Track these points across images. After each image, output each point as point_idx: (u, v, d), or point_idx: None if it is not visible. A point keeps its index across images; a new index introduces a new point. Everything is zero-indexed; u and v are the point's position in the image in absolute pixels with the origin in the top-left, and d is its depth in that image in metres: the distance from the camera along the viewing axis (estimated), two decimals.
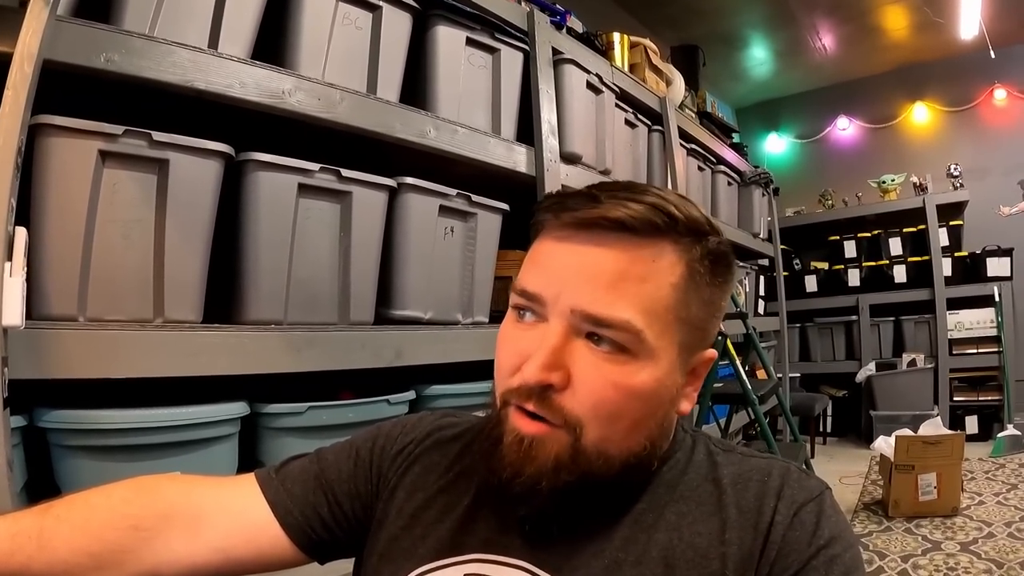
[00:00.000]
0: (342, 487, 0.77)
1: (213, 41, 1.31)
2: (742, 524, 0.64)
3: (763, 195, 4.45)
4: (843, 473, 4.24)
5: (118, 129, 1.13)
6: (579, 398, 0.61)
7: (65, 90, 1.11)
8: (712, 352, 0.69)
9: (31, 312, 1.04)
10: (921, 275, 5.26)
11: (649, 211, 0.61)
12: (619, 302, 0.60)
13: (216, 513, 0.73)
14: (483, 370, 1.72)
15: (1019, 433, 4.55)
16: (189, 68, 1.24)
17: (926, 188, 5.35)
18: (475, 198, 1.77)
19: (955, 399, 5.09)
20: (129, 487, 0.72)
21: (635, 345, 0.61)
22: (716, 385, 2.97)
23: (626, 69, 2.93)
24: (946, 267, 5.16)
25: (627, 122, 2.75)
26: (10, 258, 0.94)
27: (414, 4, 1.67)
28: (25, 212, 1.05)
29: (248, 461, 1.37)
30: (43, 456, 1.17)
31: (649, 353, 0.61)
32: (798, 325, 5.74)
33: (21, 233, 0.97)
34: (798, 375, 5.59)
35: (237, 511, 0.74)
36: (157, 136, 1.18)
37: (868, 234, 5.55)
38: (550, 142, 2.11)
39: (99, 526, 0.67)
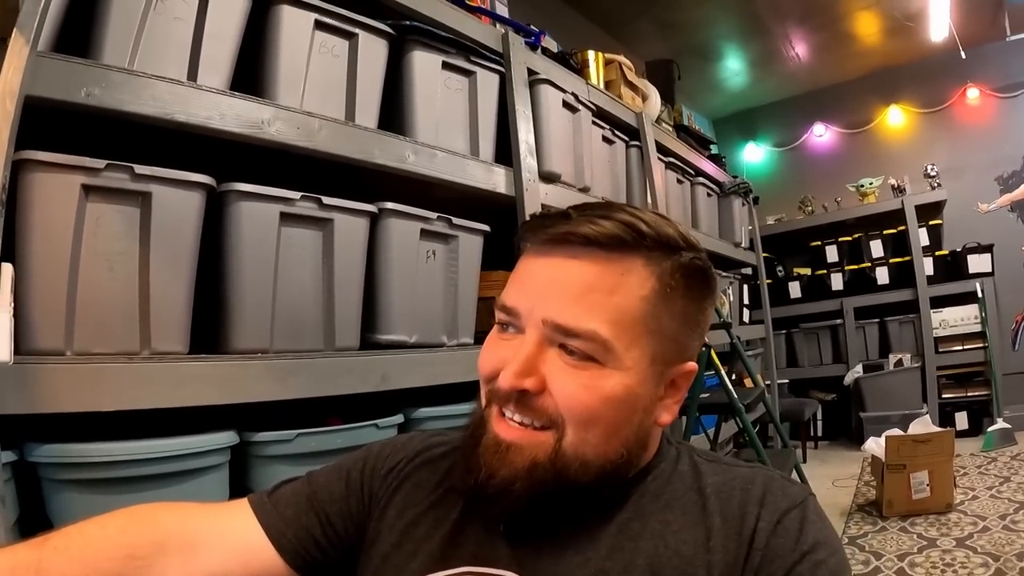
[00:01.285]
0: (334, 508, 0.78)
1: (192, 73, 1.33)
2: (726, 532, 0.66)
3: (743, 204, 4.49)
4: (836, 476, 4.26)
5: (100, 163, 1.14)
6: (556, 401, 0.64)
7: (47, 125, 1.12)
8: (692, 365, 0.71)
9: (19, 347, 1.05)
10: (903, 276, 5.31)
11: (617, 227, 0.64)
12: (587, 313, 0.63)
13: (211, 539, 0.73)
14: (470, 391, 1.71)
15: (1009, 427, 4.59)
16: (169, 100, 1.26)
17: (904, 190, 5.42)
18: (456, 221, 1.78)
19: (943, 396, 5.13)
20: (124, 516, 0.73)
21: (603, 355, 0.64)
22: (703, 395, 2.98)
23: (602, 86, 2.96)
24: (928, 266, 5.22)
25: (605, 139, 2.78)
26: None
27: (389, 30, 1.70)
28: (10, 247, 1.06)
29: (239, 490, 1.37)
30: (35, 491, 1.16)
31: (618, 362, 0.64)
32: (784, 331, 5.78)
33: (7, 269, 0.97)
34: (786, 381, 5.62)
35: (232, 536, 0.75)
36: (139, 169, 1.19)
37: (849, 238, 5.61)
38: (528, 162, 2.13)
39: (96, 556, 0.68)
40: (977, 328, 5.07)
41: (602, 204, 0.70)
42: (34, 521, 1.16)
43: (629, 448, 0.67)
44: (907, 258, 5.29)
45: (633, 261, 0.65)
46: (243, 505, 0.78)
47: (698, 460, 0.75)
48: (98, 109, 1.17)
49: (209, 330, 1.39)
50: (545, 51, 2.44)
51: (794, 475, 2.70)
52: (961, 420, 5.01)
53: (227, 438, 1.32)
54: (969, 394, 5.10)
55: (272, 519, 0.76)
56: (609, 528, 0.68)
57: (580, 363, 0.64)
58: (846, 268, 5.58)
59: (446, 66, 1.89)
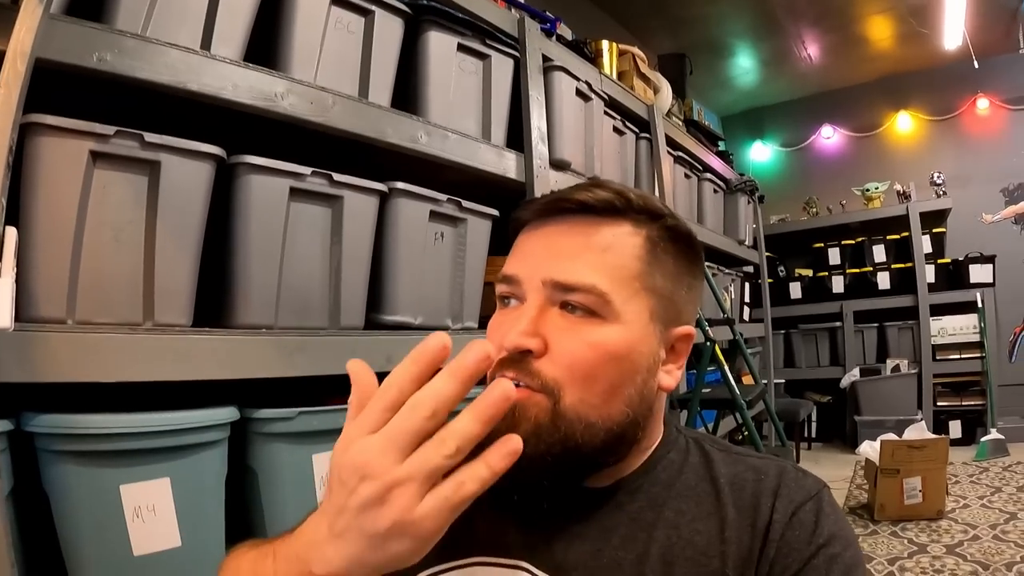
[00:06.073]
0: None
1: (206, 42, 1.30)
2: (740, 523, 0.65)
3: (748, 203, 4.49)
4: (828, 478, 4.21)
5: (109, 130, 1.12)
6: (556, 361, 0.64)
7: (56, 89, 1.10)
8: (689, 328, 0.72)
9: (19, 314, 1.03)
10: (905, 282, 5.32)
11: (607, 193, 0.68)
12: (584, 268, 0.65)
13: None
14: None
15: (1002, 437, 4.61)
16: (181, 69, 1.24)
17: (909, 196, 5.42)
18: (465, 204, 1.76)
19: (939, 404, 5.15)
20: None
21: (603, 308, 0.65)
22: (704, 390, 2.97)
23: (615, 77, 2.95)
24: (929, 274, 5.23)
25: (615, 129, 2.76)
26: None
27: (406, 9, 1.67)
28: (15, 212, 1.04)
29: (238, 468, 1.36)
30: (30, 461, 1.15)
31: (617, 316, 0.65)
32: (783, 331, 5.78)
33: (11, 233, 0.95)
34: (783, 381, 5.62)
35: None
36: (149, 137, 1.17)
37: (852, 241, 5.61)
38: (539, 148, 2.11)
39: None
40: (975, 338, 5.09)
41: (589, 180, 0.73)
42: (28, 493, 1.14)
43: (633, 408, 0.66)
44: (909, 264, 5.30)
45: (623, 224, 0.68)
46: None
47: (709, 450, 0.74)
48: (109, 75, 1.14)
49: (214, 304, 1.37)
50: (560, 38, 2.42)
51: None
52: (955, 429, 5.03)
53: (228, 414, 1.30)
54: (964, 403, 5.11)
55: None
56: (622, 518, 0.67)
57: (581, 318, 0.65)
58: (847, 271, 5.59)
59: (461, 48, 1.86)
